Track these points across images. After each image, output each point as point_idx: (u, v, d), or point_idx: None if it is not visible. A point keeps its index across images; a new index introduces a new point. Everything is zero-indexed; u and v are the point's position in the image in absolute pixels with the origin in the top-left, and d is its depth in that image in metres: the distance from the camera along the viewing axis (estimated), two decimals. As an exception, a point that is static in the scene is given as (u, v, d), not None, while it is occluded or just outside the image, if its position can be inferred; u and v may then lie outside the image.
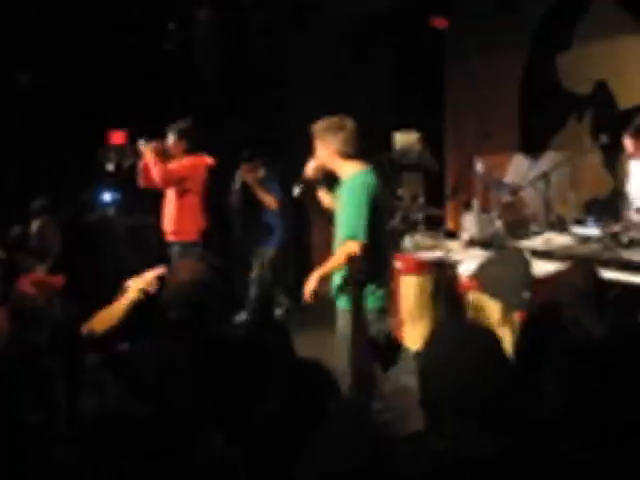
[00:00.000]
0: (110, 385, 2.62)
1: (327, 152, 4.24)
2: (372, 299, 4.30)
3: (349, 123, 4.27)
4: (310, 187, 4.50)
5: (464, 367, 1.89)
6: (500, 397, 1.91)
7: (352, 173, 4.23)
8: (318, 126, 4.28)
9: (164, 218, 6.31)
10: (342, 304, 4.33)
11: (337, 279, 4.32)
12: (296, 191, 4.56)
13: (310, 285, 4.16)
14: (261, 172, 7.14)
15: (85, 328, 3.36)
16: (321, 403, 2.16)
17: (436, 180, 7.59)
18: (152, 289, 3.50)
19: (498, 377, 1.92)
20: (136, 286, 3.47)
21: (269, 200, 7.08)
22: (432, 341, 2.02)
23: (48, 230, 6.10)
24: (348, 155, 4.21)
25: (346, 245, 4.12)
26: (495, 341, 2.01)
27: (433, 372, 1.95)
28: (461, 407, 1.88)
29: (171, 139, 6.16)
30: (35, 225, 6.01)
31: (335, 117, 4.31)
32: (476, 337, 1.99)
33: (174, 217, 6.21)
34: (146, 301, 3.58)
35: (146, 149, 6.07)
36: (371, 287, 4.28)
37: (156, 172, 6.00)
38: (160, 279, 3.44)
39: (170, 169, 6.07)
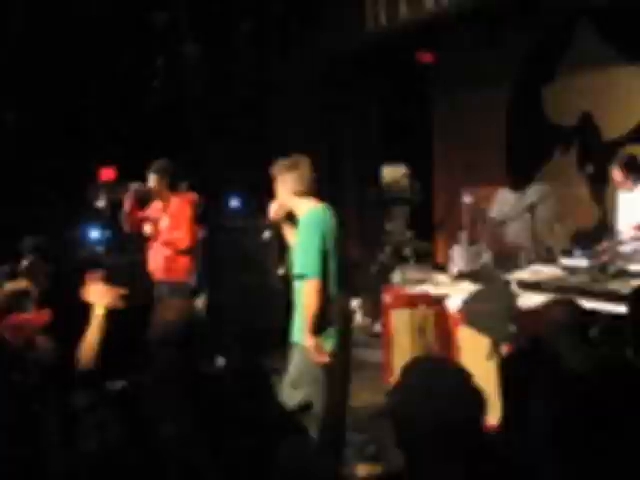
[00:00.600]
0: (111, 426, 2.69)
1: (284, 191, 4.39)
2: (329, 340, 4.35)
3: (303, 162, 4.43)
4: (277, 228, 4.62)
5: (433, 404, 1.92)
6: (471, 433, 1.95)
7: (306, 210, 4.37)
8: (276, 166, 4.44)
9: (152, 258, 6.40)
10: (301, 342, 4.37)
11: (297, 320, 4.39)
12: (266, 235, 4.79)
13: (313, 342, 4.24)
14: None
15: (77, 363, 3.48)
16: None
17: (424, 213, 7.71)
18: (115, 302, 3.70)
19: (469, 414, 1.95)
20: (98, 303, 3.68)
21: None
22: (401, 379, 2.04)
23: (37, 269, 6.17)
24: (302, 193, 4.35)
25: (306, 288, 4.22)
26: (465, 376, 2.04)
27: (402, 411, 1.98)
28: (434, 446, 1.91)
29: (152, 179, 6.27)
30: (24, 263, 6.09)
31: (290, 157, 4.47)
32: (445, 373, 2.04)
33: (164, 257, 6.31)
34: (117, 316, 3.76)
35: (126, 196, 6.25)
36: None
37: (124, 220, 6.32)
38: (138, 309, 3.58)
39: (137, 217, 6.33)
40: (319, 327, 4.24)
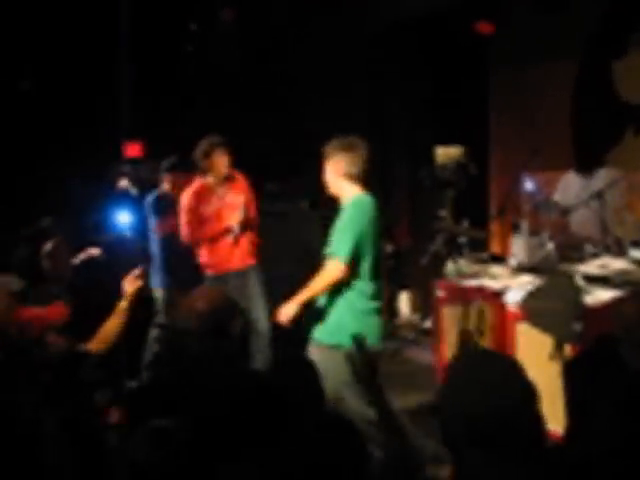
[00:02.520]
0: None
1: (334, 171, 4.46)
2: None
3: (360, 144, 4.49)
4: None
5: (480, 396, 1.94)
6: (523, 429, 1.96)
7: (351, 197, 4.46)
8: (329, 146, 4.50)
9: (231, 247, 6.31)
10: (326, 338, 4.47)
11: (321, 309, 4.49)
12: None
13: (289, 309, 4.37)
14: None
15: (89, 347, 3.54)
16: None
17: (478, 198, 7.64)
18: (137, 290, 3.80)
19: (516, 406, 1.96)
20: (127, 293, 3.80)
21: None
22: (450, 368, 2.09)
23: (60, 251, 6.23)
24: (353, 177, 4.43)
25: (328, 265, 4.35)
26: (514, 368, 2.07)
27: (450, 401, 2.01)
28: (477, 439, 1.93)
29: (222, 157, 6.15)
30: (47, 246, 6.14)
31: (346, 138, 4.52)
32: (493, 365, 2.05)
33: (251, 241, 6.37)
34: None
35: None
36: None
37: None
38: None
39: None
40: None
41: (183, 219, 6.13)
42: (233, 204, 6.19)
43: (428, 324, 7.42)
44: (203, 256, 6.26)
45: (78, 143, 7.47)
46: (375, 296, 4.55)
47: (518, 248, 5.88)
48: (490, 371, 2.03)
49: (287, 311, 4.41)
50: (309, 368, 3.41)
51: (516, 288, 5.32)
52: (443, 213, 6.56)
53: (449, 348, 5.97)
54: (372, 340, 4.45)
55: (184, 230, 6.12)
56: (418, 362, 7.08)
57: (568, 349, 4.51)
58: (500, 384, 1.99)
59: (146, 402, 3.25)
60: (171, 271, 6.57)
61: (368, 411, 4.41)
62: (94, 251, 6.66)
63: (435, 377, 6.15)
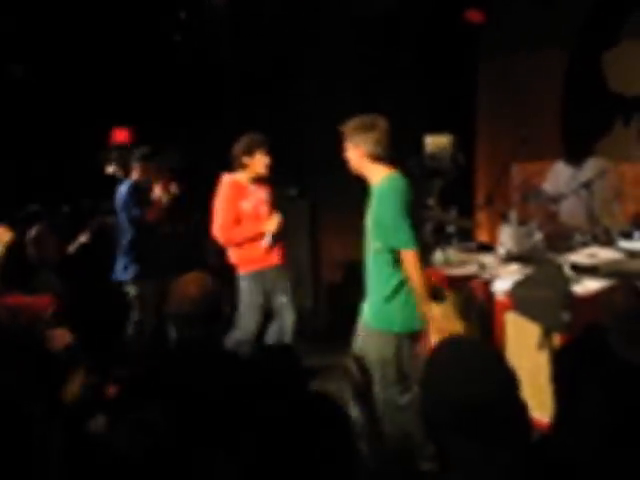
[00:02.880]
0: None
1: (357, 154, 4.34)
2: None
3: (381, 122, 4.37)
4: None
5: (463, 384, 1.93)
6: (506, 416, 1.95)
7: (382, 178, 4.33)
8: (348, 126, 4.37)
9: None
10: (380, 324, 4.43)
11: (376, 297, 4.42)
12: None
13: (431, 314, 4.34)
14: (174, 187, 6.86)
15: None
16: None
17: (465, 187, 7.61)
18: None
19: (498, 393, 1.95)
20: None
21: None
22: (432, 357, 2.08)
23: (46, 237, 6.19)
24: (377, 157, 4.30)
25: (410, 259, 4.24)
26: (495, 356, 2.07)
27: (432, 389, 2.00)
28: (460, 427, 1.92)
29: (263, 157, 5.97)
30: (31, 233, 6.10)
31: (367, 116, 4.41)
32: (474, 353, 2.04)
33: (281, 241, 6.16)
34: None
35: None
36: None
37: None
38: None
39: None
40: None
41: (221, 217, 5.88)
42: (268, 201, 6.03)
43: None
44: (238, 254, 6.00)
45: (69, 129, 7.38)
46: None
47: (506, 237, 5.86)
48: (472, 359, 2.01)
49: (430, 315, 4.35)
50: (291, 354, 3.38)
51: (504, 277, 5.30)
52: (431, 202, 6.54)
53: (436, 333, 5.96)
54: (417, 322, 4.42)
55: (223, 229, 5.87)
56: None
57: (556, 338, 4.51)
58: (482, 371, 1.97)
59: (136, 390, 3.22)
60: (147, 263, 6.51)
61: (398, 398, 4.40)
62: (83, 238, 6.61)
63: (421, 364, 6.14)
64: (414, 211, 4.37)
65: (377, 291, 4.41)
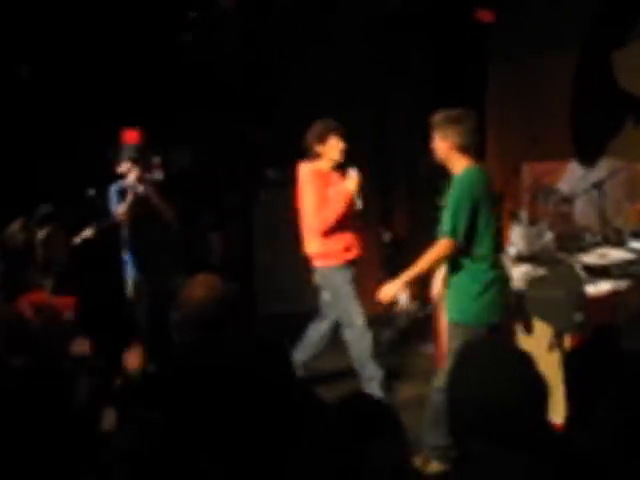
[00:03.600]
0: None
1: (445, 145, 4.43)
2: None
3: (469, 115, 4.50)
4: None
5: (489, 388, 1.91)
6: (531, 421, 1.92)
7: (462, 169, 4.44)
8: (437, 118, 4.49)
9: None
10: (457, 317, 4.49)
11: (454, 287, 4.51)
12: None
13: (391, 287, 4.45)
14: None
15: None
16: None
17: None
18: None
19: (527, 400, 1.93)
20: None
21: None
22: (458, 360, 2.05)
23: (55, 240, 6.14)
24: (463, 149, 4.40)
25: (439, 243, 4.36)
26: (525, 361, 2.04)
27: (458, 392, 1.97)
28: (486, 429, 1.90)
29: (338, 144, 5.84)
30: (41, 234, 6.05)
31: (456, 109, 4.52)
32: (503, 357, 2.02)
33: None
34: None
35: None
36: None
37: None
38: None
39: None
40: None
41: (315, 205, 5.69)
42: (347, 191, 5.75)
43: (425, 312, 7.34)
44: (325, 245, 5.79)
45: (79, 130, 7.35)
46: (497, 265, 4.52)
47: (517, 237, 5.81)
48: (501, 363, 1.99)
49: (389, 290, 4.49)
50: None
51: (515, 277, 5.25)
52: (439, 202, 6.53)
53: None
54: (496, 313, 4.42)
55: (322, 216, 5.67)
56: (416, 351, 7.02)
57: (567, 339, 4.45)
58: (512, 376, 1.96)
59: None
60: (138, 262, 6.43)
61: None
62: (88, 232, 6.52)
63: (434, 367, 6.09)
64: (492, 205, 4.46)
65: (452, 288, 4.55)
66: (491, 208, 4.42)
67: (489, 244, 4.41)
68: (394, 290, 4.45)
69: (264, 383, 2.74)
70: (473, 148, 4.45)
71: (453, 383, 2.02)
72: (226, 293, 3.35)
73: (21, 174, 7.24)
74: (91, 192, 6.68)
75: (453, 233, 4.30)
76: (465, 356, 2.07)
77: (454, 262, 4.46)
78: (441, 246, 4.35)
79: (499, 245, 4.55)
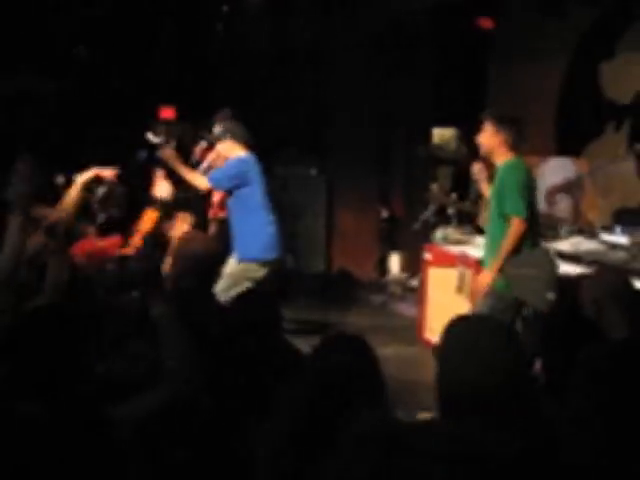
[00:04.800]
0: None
1: (496, 140, 4.50)
2: None
3: (521, 120, 4.70)
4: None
5: (479, 361, 1.84)
6: (517, 394, 1.86)
7: (509, 159, 4.53)
8: (494, 114, 4.59)
9: None
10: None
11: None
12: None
13: (487, 277, 4.46)
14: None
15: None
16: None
17: (469, 176, 7.56)
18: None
19: (514, 371, 1.87)
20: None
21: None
22: (447, 335, 1.96)
23: (114, 195, 5.98)
24: (511, 147, 4.53)
25: (514, 224, 4.39)
26: (509, 334, 1.99)
27: (448, 366, 1.89)
28: (475, 402, 1.82)
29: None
30: (101, 191, 5.90)
31: (510, 110, 4.85)
32: (490, 331, 1.95)
33: None
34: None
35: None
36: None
37: None
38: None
39: None
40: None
41: None
42: None
43: (414, 283, 7.35)
44: None
45: (124, 106, 7.33)
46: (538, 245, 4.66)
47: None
48: (488, 338, 1.90)
49: (484, 280, 4.50)
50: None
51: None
52: (434, 187, 6.54)
53: (432, 305, 5.93)
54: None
55: None
56: (403, 315, 7.03)
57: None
58: (498, 350, 1.87)
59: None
60: None
61: None
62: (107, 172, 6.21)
63: (417, 330, 6.10)
64: (532, 194, 4.56)
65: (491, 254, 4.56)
66: (535, 195, 4.58)
67: (536, 225, 4.54)
68: (488, 279, 4.45)
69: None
70: (517, 145, 4.55)
71: (440, 360, 1.93)
72: (216, 249, 3.55)
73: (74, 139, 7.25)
74: (142, 154, 6.60)
75: (522, 213, 4.38)
76: (452, 333, 1.97)
77: (495, 235, 4.55)
78: (516, 226, 4.39)
79: (537, 232, 4.64)
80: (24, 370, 2.02)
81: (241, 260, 5.14)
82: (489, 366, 1.82)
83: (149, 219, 4.52)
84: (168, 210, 4.40)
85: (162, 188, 3.94)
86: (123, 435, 2.04)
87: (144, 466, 2.15)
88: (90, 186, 5.06)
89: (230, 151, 5.35)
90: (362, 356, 2.14)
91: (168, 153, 5.01)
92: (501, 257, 4.41)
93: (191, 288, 3.34)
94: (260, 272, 5.13)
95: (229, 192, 5.30)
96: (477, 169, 4.75)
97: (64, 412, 1.84)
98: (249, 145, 5.44)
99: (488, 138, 4.55)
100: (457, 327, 1.99)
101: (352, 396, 2.00)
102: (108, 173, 4.21)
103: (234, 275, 5.06)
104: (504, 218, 4.45)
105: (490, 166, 4.79)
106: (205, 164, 5.72)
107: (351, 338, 2.26)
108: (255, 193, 5.26)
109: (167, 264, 3.81)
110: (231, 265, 5.14)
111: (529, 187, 4.52)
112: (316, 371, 2.12)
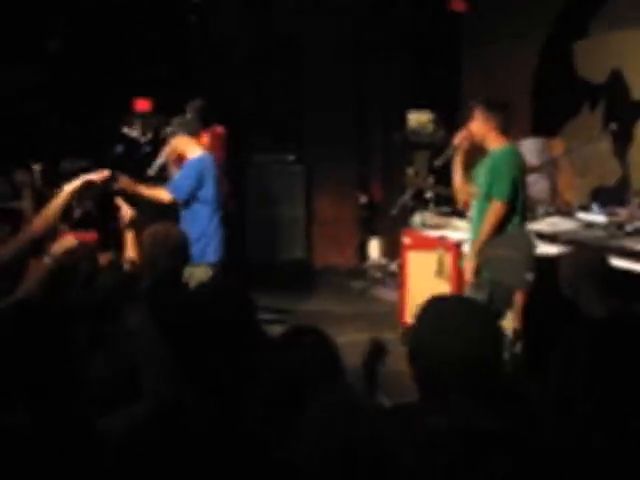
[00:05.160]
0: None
1: (487, 126, 4.42)
2: None
3: (510, 105, 4.67)
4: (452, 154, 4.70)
5: (453, 340, 1.78)
6: (493, 371, 1.81)
7: (501, 145, 4.45)
8: (483, 102, 4.49)
9: None
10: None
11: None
12: (439, 161, 4.87)
13: (471, 262, 4.38)
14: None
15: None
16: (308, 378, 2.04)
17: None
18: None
19: (487, 351, 1.81)
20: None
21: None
22: (420, 316, 1.90)
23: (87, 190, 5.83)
24: (501, 131, 4.44)
25: (495, 207, 4.33)
26: (484, 314, 1.94)
27: (422, 346, 1.84)
28: (452, 381, 1.78)
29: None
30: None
31: (499, 97, 4.77)
32: (463, 310, 1.89)
33: None
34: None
35: None
36: None
37: None
38: None
39: None
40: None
41: None
42: None
43: (394, 267, 7.23)
44: None
45: (98, 98, 7.15)
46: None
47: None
48: (465, 316, 1.85)
49: (470, 266, 4.41)
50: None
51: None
52: (410, 171, 6.44)
53: (412, 289, 5.81)
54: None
55: None
56: (384, 300, 6.92)
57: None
58: (478, 328, 1.82)
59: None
60: None
61: None
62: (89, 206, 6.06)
63: (398, 314, 5.98)
64: (523, 180, 4.49)
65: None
66: (520, 183, 4.45)
67: (521, 210, 4.43)
68: (473, 264, 4.36)
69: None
70: (507, 132, 4.49)
71: (414, 337, 1.88)
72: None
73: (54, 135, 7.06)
74: (119, 149, 6.46)
75: (505, 197, 4.30)
76: (421, 311, 1.92)
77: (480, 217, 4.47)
78: (496, 209, 4.32)
79: (524, 218, 4.56)
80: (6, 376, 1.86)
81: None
82: (462, 340, 1.78)
83: (131, 244, 4.38)
84: (138, 225, 4.26)
85: (127, 212, 3.86)
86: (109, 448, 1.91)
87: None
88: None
89: (185, 146, 5.16)
90: (319, 349, 2.09)
91: (124, 182, 4.77)
92: (481, 240, 4.33)
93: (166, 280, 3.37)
94: (209, 274, 4.86)
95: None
96: (460, 137, 4.58)
97: (51, 424, 1.73)
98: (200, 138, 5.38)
99: (479, 125, 4.46)
100: (430, 307, 1.93)
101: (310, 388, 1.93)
102: (98, 177, 4.02)
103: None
104: (489, 200, 4.38)
105: (476, 151, 4.69)
106: (161, 159, 5.48)
107: (308, 330, 2.23)
108: (207, 192, 5.07)
109: (128, 256, 3.74)
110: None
111: (522, 173, 4.46)
112: (272, 369, 2.07)
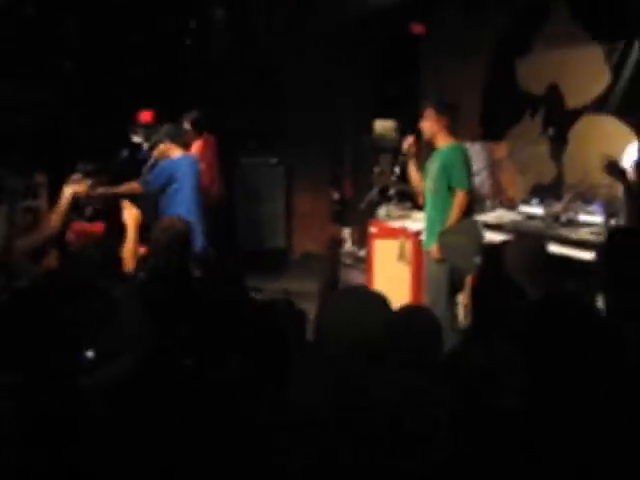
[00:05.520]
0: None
1: (438, 125, 4.37)
2: None
3: (459, 106, 4.71)
4: (406, 159, 4.71)
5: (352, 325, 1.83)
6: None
7: (452, 142, 4.44)
8: (435, 102, 4.45)
9: None
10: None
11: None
12: (396, 166, 4.94)
13: (434, 246, 4.38)
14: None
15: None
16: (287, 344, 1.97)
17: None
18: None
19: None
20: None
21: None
22: (325, 303, 1.99)
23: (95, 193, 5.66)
24: (451, 131, 4.41)
25: (461, 197, 4.31)
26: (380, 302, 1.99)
27: (327, 328, 1.87)
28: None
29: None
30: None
31: (449, 98, 4.66)
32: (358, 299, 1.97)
33: None
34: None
35: None
36: None
37: None
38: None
39: None
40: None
41: None
42: None
43: (363, 253, 7.18)
44: None
45: (107, 110, 7.08)
46: None
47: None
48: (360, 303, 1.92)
49: (434, 248, 4.41)
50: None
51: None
52: (377, 170, 6.44)
53: (378, 272, 5.76)
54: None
55: None
56: (354, 282, 6.86)
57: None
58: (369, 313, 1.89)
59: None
60: None
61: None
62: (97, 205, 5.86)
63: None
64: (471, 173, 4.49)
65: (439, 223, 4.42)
66: (472, 175, 4.50)
67: (472, 200, 4.53)
68: (437, 247, 4.35)
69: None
70: (456, 129, 4.47)
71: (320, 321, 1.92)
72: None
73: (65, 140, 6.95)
74: (124, 153, 6.34)
75: (467, 186, 4.30)
76: (331, 300, 2.05)
77: (438, 208, 4.45)
78: (462, 198, 4.31)
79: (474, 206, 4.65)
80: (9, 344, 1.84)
81: None
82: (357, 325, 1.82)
83: (132, 238, 4.22)
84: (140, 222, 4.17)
85: (131, 211, 3.83)
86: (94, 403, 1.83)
87: (117, 432, 1.92)
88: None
89: (167, 151, 5.27)
90: (290, 316, 2.10)
91: (100, 190, 4.78)
92: (449, 225, 4.34)
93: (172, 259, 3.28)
94: None
95: (161, 190, 5.17)
96: (408, 144, 4.56)
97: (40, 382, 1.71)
98: (186, 145, 5.54)
99: (430, 124, 4.38)
100: (338, 296, 2.13)
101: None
102: (81, 188, 3.99)
103: None
104: (450, 192, 4.31)
105: (423, 147, 4.63)
106: (151, 161, 5.59)
107: (282, 300, 2.25)
108: (183, 189, 5.12)
109: (127, 249, 3.62)
110: None
111: (469, 167, 4.42)
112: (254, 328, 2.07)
